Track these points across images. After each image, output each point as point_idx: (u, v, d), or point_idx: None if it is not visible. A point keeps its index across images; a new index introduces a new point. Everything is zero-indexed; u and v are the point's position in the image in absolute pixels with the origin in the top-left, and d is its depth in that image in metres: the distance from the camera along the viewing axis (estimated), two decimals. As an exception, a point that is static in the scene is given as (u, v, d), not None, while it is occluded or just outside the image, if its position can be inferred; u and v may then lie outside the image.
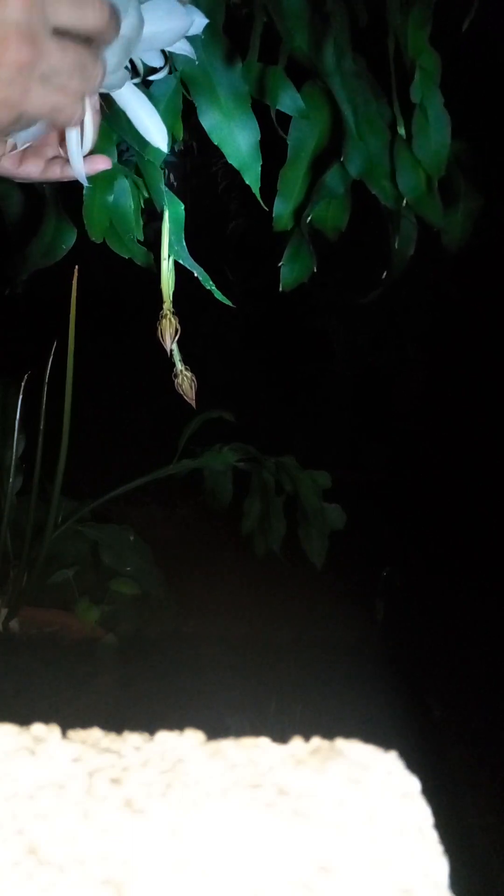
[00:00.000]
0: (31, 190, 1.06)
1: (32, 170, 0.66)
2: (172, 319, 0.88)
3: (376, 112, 0.99)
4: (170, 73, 0.86)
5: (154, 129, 0.67)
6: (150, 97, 0.85)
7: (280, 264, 1.02)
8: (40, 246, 1.02)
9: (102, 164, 0.68)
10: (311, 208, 0.99)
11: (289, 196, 1.00)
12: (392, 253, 1.07)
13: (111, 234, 0.95)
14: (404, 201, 1.01)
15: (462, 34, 0.93)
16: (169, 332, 0.88)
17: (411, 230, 1.07)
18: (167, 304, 0.89)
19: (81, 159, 0.64)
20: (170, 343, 0.88)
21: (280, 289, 1.03)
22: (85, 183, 0.67)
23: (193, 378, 0.90)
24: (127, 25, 0.56)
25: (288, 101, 0.93)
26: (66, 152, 0.64)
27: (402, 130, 0.95)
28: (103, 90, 0.61)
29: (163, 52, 0.70)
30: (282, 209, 1.00)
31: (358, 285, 1.18)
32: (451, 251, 1.11)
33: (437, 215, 1.04)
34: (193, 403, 0.91)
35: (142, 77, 0.69)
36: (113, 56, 0.57)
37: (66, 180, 0.67)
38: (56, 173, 0.67)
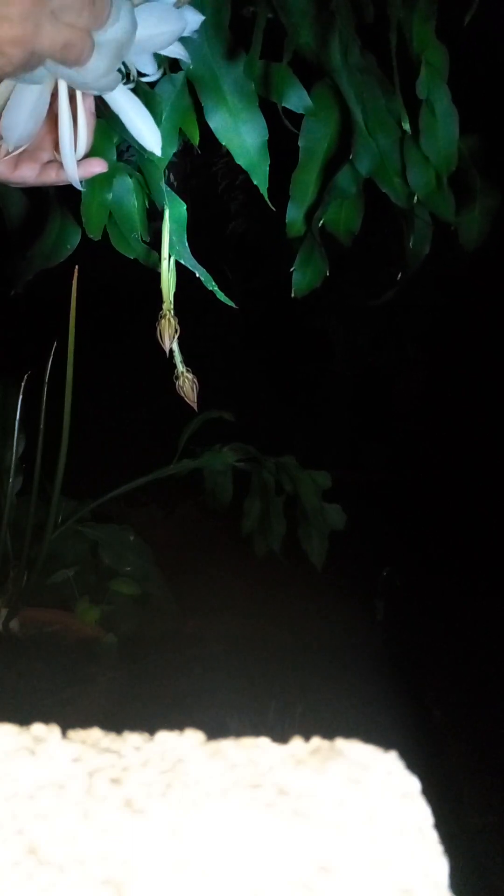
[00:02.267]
0: (34, 190, 1.06)
1: (28, 174, 0.66)
2: (172, 320, 0.88)
3: (385, 109, 0.96)
4: (175, 72, 0.86)
5: (147, 133, 0.67)
6: (156, 98, 0.85)
7: (292, 269, 1.00)
8: (45, 246, 1.01)
9: (98, 167, 0.68)
10: (322, 211, 0.97)
11: (301, 200, 0.98)
12: (406, 252, 1.05)
13: (115, 233, 0.95)
14: (416, 198, 1.00)
15: (473, 26, 0.90)
16: (168, 333, 0.88)
17: (426, 229, 1.04)
18: (167, 304, 0.89)
19: (75, 162, 0.64)
20: (168, 343, 0.88)
21: (292, 295, 1.01)
22: (78, 187, 0.67)
23: (195, 380, 0.90)
24: (119, 28, 0.56)
25: (295, 98, 0.91)
26: (61, 156, 0.64)
27: (406, 126, 0.93)
28: (95, 92, 0.61)
29: (158, 55, 0.70)
30: (295, 214, 0.98)
31: (368, 286, 1.17)
32: (467, 250, 1.09)
33: (449, 212, 1.02)
34: (195, 406, 0.91)
35: (135, 81, 0.69)
36: (105, 59, 0.56)
37: (61, 184, 0.67)
38: (51, 177, 0.67)
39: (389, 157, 0.98)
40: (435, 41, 0.93)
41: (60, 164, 0.65)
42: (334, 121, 0.96)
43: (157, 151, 0.69)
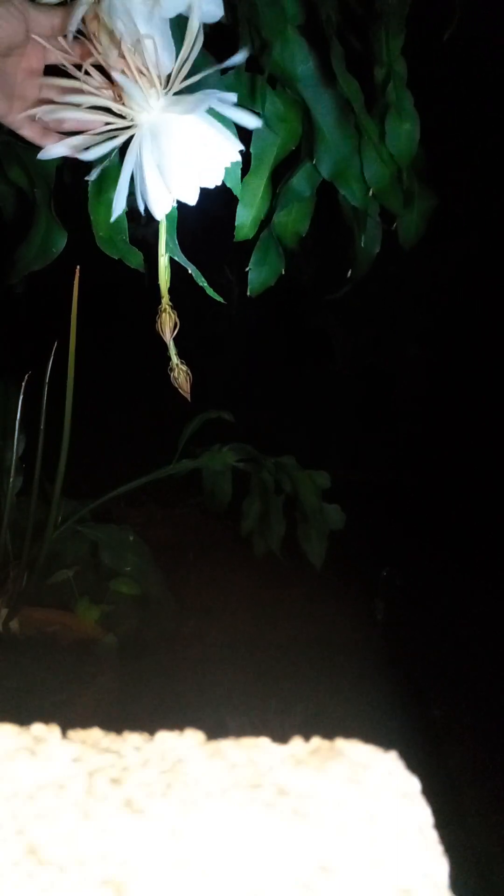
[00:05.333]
0: (25, 192, 1.07)
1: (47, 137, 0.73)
2: (171, 313, 0.89)
3: (345, 117, 1.02)
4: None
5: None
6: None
7: (247, 269, 1.02)
8: (31, 248, 1.02)
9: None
10: (279, 211, 1.00)
11: (251, 204, 1.01)
12: (357, 252, 1.09)
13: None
14: (370, 192, 1.04)
15: (431, 46, 0.97)
16: (168, 327, 0.88)
17: (376, 229, 1.10)
18: (165, 299, 0.89)
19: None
20: (170, 337, 0.89)
21: (248, 293, 1.04)
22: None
23: (189, 372, 0.90)
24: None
25: (269, 106, 0.97)
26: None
27: (396, 122, 0.98)
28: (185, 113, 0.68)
29: None
30: (244, 217, 1.02)
31: (332, 284, 1.21)
32: (405, 248, 1.16)
33: (399, 205, 1.09)
34: (188, 397, 0.91)
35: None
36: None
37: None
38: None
39: (349, 161, 1.03)
40: (400, 55, 1.00)
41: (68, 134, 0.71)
42: (286, 129, 1.01)
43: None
